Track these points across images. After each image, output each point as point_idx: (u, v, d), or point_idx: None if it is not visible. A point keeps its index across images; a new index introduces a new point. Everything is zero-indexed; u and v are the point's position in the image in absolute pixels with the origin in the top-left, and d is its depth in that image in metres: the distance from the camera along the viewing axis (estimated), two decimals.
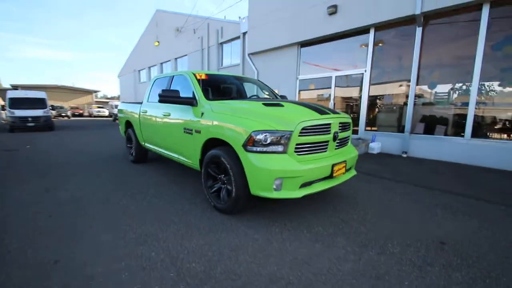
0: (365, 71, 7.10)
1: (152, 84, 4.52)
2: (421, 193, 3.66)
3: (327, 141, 2.70)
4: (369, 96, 7.18)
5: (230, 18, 12.98)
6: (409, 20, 6.16)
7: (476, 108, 5.45)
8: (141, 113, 4.57)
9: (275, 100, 3.30)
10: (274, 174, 2.34)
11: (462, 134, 5.61)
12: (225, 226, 2.56)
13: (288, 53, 8.94)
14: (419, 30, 6.04)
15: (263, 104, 2.89)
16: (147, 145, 4.61)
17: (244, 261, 2.01)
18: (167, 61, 16.44)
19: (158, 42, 16.59)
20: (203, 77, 3.59)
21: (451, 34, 5.81)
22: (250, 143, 2.41)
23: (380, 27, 6.71)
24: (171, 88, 3.88)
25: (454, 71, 5.87)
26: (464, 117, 5.60)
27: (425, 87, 6.35)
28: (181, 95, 3.68)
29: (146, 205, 3.10)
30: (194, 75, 3.56)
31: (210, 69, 12.68)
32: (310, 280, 1.80)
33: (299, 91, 8.94)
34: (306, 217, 2.80)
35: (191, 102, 3.20)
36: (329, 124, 2.67)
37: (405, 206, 3.17)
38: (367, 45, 7.02)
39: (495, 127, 5.43)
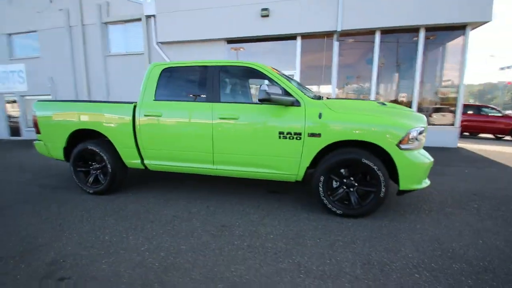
0: (294, 73, 8.12)
1: (160, 76, 3.20)
2: None
3: None
4: None
5: None
6: (330, 35, 7.69)
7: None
8: (143, 117, 3.14)
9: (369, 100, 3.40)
10: (428, 166, 2.65)
11: None
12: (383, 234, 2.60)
13: (213, 48, 8.46)
14: (336, 44, 7.71)
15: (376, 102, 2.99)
16: (154, 163, 3.27)
17: None
18: None
19: None
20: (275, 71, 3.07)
21: (359, 50, 7.89)
22: (405, 141, 2.55)
23: (305, 36, 7.89)
24: (208, 83, 3.04)
25: (361, 75, 8.06)
26: None
27: (339, 87, 8.23)
28: (229, 91, 3.03)
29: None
30: (266, 68, 2.98)
31: (89, 55, 9.51)
32: None
33: None
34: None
35: (292, 101, 2.74)
36: None
37: None
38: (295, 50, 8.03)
39: None
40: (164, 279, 1.81)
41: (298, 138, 2.74)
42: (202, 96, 3.13)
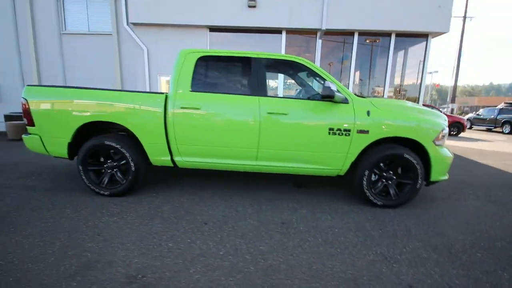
0: None
1: (195, 64, 2.93)
2: None
3: None
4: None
5: None
6: (313, 32, 7.96)
7: None
8: (178, 109, 2.86)
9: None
10: (451, 161, 3.04)
11: None
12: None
13: (194, 36, 7.95)
14: (319, 42, 8.02)
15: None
16: (188, 159, 3.02)
17: None
18: None
19: None
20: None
21: (337, 48, 8.34)
22: (439, 138, 2.89)
23: (290, 31, 8.00)
24: (253, 76, 2.94)
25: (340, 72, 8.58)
26: None
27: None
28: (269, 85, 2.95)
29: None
30: (312, 64, 2.99)
31: (39, 33, 7.95)
32: None
33: None
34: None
35: (343, 99, 2.83)
36: None
37: None
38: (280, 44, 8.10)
39: None
40: (273, 282, 1.73)
41: (347, 134, 2.84)
42: (243, 89, 2.98)
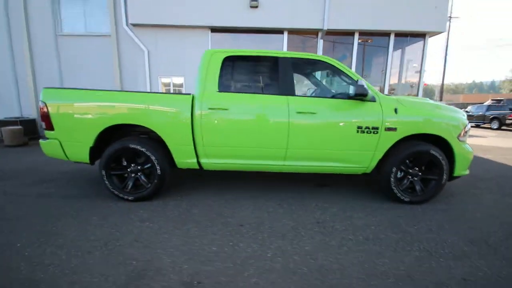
0: None
1: (222, 64, 2.89)
2: None
3: None
4: None
5: None
6: (314, 32, 8.02)
7: None
8: (206, 111, 2.81)
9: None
10: (472, 155, 3.11)
11: None
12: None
13: (195, 36, 7.86)
14: (320, 42, 8.09)
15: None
16: (215, 161, 2.98)
17: None
18: None
19: None
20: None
21: (339, 48, 8.43)
22: (462, 134, 2.96)
23: (292, 31, 8.03)
24: (280, 76, 2.91)
25: None
26: None
27: None
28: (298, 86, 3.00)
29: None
30: (339, 63, 3.00)
31: (34, 35, 7.65)
32: None
33: None
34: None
35: (372, 97, 2.85)
36: None
37: None
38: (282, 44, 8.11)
39: None
40: (331, 282, 1.72)
41: (375, 132, 2.87)
42: (271, 88, 2.96)
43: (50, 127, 2.85)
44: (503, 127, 14.22)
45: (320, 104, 2.89)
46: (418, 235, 2.37)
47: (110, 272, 1.80)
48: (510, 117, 13.45)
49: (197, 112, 2.82)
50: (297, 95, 2.90)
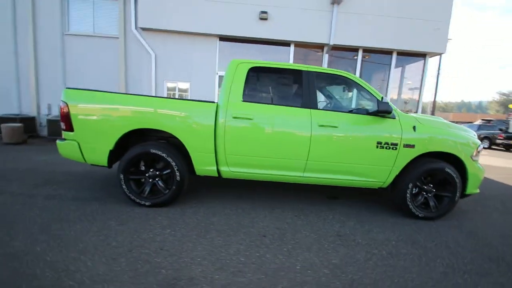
0: None
1: (247, 75, 2.93)
2: None
3: None
4: None
5: None
6: (320, 46, 8.22)
7: None
8: (230, 119, 2.82)
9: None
10: (484, 174, 3.21)
11: None
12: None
13: (204, 43, 7.94)
14: (326, 56, 8.29)
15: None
16: (235, 170, 2.98)
17: None
18: None
19: None
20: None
21: (343, 63, 8.64)
22: (475, 154, 3.06)
23: (298, 44, 8.21)
24: (304, 89, 2.97)
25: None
26: None
27: None
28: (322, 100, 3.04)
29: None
30: (360, 79, 3.08)
31: (40, 32, 7.57)
32: None
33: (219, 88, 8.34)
34: None
35: (390, 113, 2.93)
36: None
37: None
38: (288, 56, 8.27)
39: None
40: None
41: (394, 148, 2.93)
42: (294, 101, 3.01)
43: (69, 128, 2.80)
44: (493, 146, 14.71)
45: (342, 118, 2.94)
46: (438, 251, 2.41)
47: (140, 280, 1.76)
48: (500, 137, 13.91)
49: (220, 120, 2.83)
50: (319, 109, 2.95)
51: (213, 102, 2.90)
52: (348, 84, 3.10)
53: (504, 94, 43.80)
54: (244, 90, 2.90)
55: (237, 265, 2.00)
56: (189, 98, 8.03)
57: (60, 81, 7.71)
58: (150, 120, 2.79)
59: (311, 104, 2.93)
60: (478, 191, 3.23)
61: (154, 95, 7.78)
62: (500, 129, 14.87)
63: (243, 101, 2.88)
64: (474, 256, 2.35)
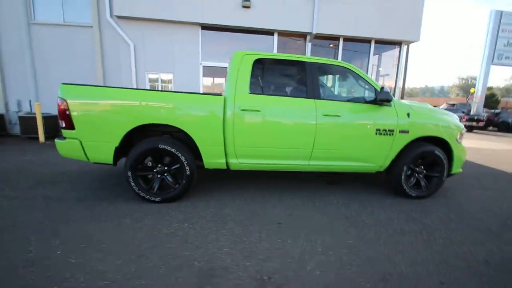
0: None
1: (252, 67, 2.95)
2: None
3: None
4: None
5: None
6: (303, 35, 8.31)
7: None
8: (238, 111, 2.86)
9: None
10: (466, 154, 3.57)
11: None
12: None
13: (186, 32, 7.67)
14: (309, 45, 8.41)
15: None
16: (244, 161, 3.04)
17: None
18: None
19: None
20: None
21: (324, 51, 8.82)
22: (460, 136, 3.39)
23: (282, 33, 8.23)
24: (308, 80, 3.07)
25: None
26: None
27: None
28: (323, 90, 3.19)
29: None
30: (359, 70, 3.23)
31: (1, 21, 6.82)
32: None
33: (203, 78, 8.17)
34: None
35: (390, 101, 3.12)
36: None
37: None
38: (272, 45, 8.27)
39: None
40: (389, 271, 1.92)
41: (391, 134, 3.15)
42: (299, 91, 3.09)
43: (70, 126, 2.66)
44: None
45: (344, 107, 3.09)
46: (435, 226, 2.69)
47: (177, 274, 1.80)
48: (463, 119, 15.16)
49: (229, 113, 2.85)
50: (323, 99, 3.07)
51: (220, 94, 2.90)
52: (349, 74, 3.24)
53: (463, 79, 47.23)
54: (250, 82, 2.92)
55: (264, 252, 2.10)
56: (173, 89, 7.81)
57: (30, 74, 7.10)
58: (157, 115, 2.73)
59: (315, 94, 3.04)
60: (461, 170, 3.59)
61: (135, 87, 7.45)
62: (463, 112, 16.19)
63: (250, 93, 2.91)
64: (466, 228, 2.65)
